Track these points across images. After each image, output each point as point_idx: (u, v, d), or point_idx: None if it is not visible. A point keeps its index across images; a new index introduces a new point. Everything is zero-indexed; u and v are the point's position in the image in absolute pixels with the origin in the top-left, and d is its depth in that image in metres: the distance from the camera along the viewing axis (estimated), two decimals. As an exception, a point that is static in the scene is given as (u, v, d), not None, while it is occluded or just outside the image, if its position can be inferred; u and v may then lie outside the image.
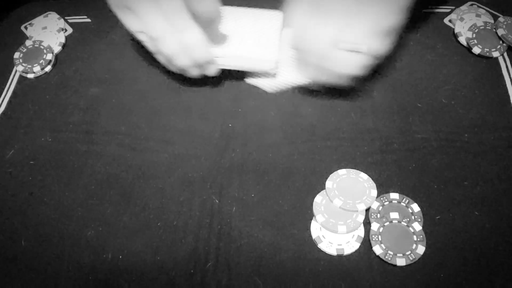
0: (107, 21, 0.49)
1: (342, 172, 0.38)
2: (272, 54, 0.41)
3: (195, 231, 0.36)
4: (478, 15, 0.47)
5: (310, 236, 0.36)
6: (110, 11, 0.39)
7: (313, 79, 0.41)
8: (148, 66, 0.46)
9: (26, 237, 0.37)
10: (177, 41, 0.38)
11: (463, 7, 0.48)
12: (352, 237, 0.35)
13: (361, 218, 0.36)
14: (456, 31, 0.46)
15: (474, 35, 0.45)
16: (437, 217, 0.36)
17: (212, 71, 0.42)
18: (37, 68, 0.46)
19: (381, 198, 0.37)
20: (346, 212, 0.36)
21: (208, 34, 0.39)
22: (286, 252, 0.35)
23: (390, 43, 0.39)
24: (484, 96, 0.42)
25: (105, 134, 0.42)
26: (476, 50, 0.44)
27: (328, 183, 0.37)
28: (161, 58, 0.41)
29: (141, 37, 0.40)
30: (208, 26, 0.39)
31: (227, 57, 0.41)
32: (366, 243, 0.35)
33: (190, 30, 0.38)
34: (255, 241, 0.36)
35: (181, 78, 0.44)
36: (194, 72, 0.41)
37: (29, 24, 0.50)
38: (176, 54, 0.39)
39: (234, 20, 0.43)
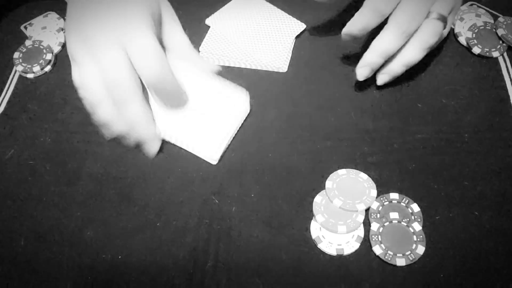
0: (107, 21, 0.49)
1: (342, 172, 0.38)
2: (218, 154, 0.39)
3: (195, 231, 0.36)
4: (478, 15, 0.47)
5: (310, 236, 0.36)
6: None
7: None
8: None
9: (26, 237, 0.37)
10: (115, 112, 0.34)
11: (463, 7, 0.48)
12: (352, 237, 0.35)
13: (361, 218, 0.36)
14: (456, 31, 0.46)
15: (474, 35, 0.45)
16: (437, 217, 0.36)
17: (152, 150, 0.38)
18: (36, 68, 0.46)
19: (381, 198, 0.37)
20: (346, 212, 0.36)
21: (160, 100, 0.35)
22: (286, 252, 0.35)
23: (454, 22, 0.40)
24: (484, 96, 0.42)
25: (105, 134, 0.42)
26: (476, 50, 0.44)
27: (328, 183, 0.37)
28: (95, 120, 0.36)
29: (80, 93, 0.35)
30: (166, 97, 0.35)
31: (172, 137, 0.39)
32: (366, 243, 0.35)
33: (134, 103, 0.34)
34: (255, 241, 0.36)
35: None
36: (130, 144, 0.37)
37: (29, 24, 0.50)
38: (114, 124, 0.35)
39: (197, 92, 0.39)
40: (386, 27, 0.38)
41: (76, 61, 0.34)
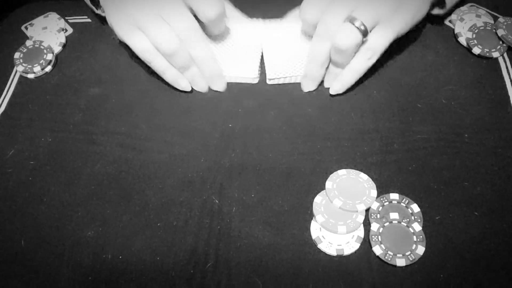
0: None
1: (342, 172, 0.38)
2: (255, 71, 0.43)
3: (195, 231, 0.36)
4: (478, 16, 0.47)
5: (310, 236, 0.36)
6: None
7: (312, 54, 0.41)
8: (148, 66, 0.46)
9: (26, 237, 0.37)
10: (188, 56, 0.41)
11: (463, 8, 0.48)
12: (352, 238, 0.35)
13: (361, 218, 0.36)
14: (456, 31, 0.46)
15: (474, 36, 0.45)
16: (437, 218, 0.36)
17: (220, 85, 0.43)
18: (37, 68, 0.46)
19: (381, 199, 0.37)
20: (346, 213, 0.36)
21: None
22: (286, 252, 0.35)
23: (391, 40, 0.39)
24: (484, 96, 0.42)
25: (105, 134, 0.42)
26: (476, 50, 0.44)
27: (328, 183, 0.37)
28: (168, 76, 0.42)
29: (147, 56, 0.41)
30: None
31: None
32: (366, 243, 0.35)
33: (201, 44, 0.41)
34: (255, 241, 0.36)
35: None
36: (202, 86, 0.43)
37: (30, 24, 0.50)
38: (187, 67, 0.41)
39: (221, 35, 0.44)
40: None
41: (144, 27, 0.39)
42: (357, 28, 0.37)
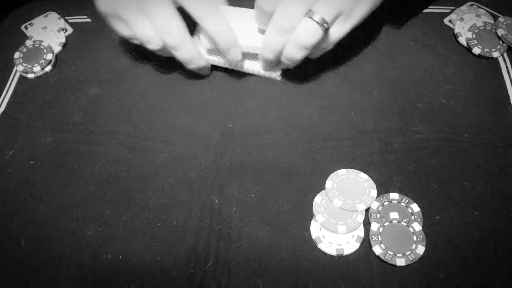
0: (107, 21, 0.49)
1: (342, 172, 0.38)
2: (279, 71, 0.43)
3: (195, 231, 0.36)
4: (478, 15, 0.47)
5: (310, 236, 0.36)
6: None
7: (270, 49, 0.40)
8: (148, 66, 0.46)
9: (26, 237, 0.37)
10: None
11: (463, 7, 0.48)
12: (352, 237, 0.35)
13: (361, 218, 0.36)
14: (456, 31, 0.46)
15: (474, 35, 0.45)
16: (437, 217, 0.36)
17: (236, 55, 0.41)
18: (37, 68, 0.46)
19: (381, 198, 0.37)
20: (346, 212, 0.36)
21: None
22: (286, 252, 0.35)
23: (349, 30, 0.39)
24: (484, 96, 0.42)
25: (105, 134, 0.42)
26: (476, 50, 0.44)
27: (328, 183, 0.37)
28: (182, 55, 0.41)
29: (135, 42, 0.41)
30: None
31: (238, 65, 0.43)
32: (366, 243, 0.35)
33: (186, 44, 0.40)
34: (255, 241, 0.36)
35: (181, 78, 0.44)
36: (216, 60, 0.43)
37: (29, 24, 0.50)
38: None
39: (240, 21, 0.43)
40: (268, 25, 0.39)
41: (126, 18, 0.39)
42: (319, 24, 0.36)
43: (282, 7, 0.37)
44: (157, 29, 0.39)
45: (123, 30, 0.41)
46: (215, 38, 0.40)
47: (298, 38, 0.37)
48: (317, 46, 0.38)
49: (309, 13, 0.36)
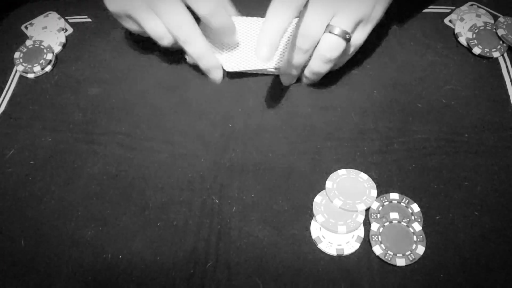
0: (107, 21, 0.49)
1: (342, 172, 0.38)
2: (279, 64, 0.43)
3: (195, 231, 0.36)
4: (478, 15, 0.47)
5: (310, 236, 0.36)
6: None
7: (296, 65, 0.41)
8: (148, 66, 0.46)
9: (26, 237, 0.37)
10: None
11: (463, 7, 0.48)
12: (352, 237, 0.35)
13: (361, 218, 0.36)
14: (456, 31, 0.46)
15: (474, 35, 0.45)
16: (437, 217, 0.36)
17: (218, 76, 0.43)
18: (37, 68, 0.46)
19: (381, 198, 0.37)
20: (346, 212, 0.36)
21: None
22: (286, 252, 0.35)
23: (367, 34, 0.40)
24: (484, 96, 0.42)
25: (105, 134, 0.42)
26: (476, 50, 0.44)
27: (328, 183, 0.37)
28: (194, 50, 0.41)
29: (145, 35, 0.42)
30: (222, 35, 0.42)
31: (235, 66, 0.43)
32: (366, 243, 0.35)
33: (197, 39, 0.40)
34: (255, 241, 0.36)
35: (182, 78, 0.44)
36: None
37: (30, 24, 0.50)
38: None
39: (240, 29, 0.45)
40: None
41: (136, 17, 0.40)
42: (340, 36, 0.37)
43: (302, 27, 0.37)
44: (168, 25, 0.40)
45: (134, 28, 0.42)
46: (197, 60, 0.41)
47: (322, 53, 0.38)
48: (341, 55, 0.39)
49: (329, 28, 0.37)
